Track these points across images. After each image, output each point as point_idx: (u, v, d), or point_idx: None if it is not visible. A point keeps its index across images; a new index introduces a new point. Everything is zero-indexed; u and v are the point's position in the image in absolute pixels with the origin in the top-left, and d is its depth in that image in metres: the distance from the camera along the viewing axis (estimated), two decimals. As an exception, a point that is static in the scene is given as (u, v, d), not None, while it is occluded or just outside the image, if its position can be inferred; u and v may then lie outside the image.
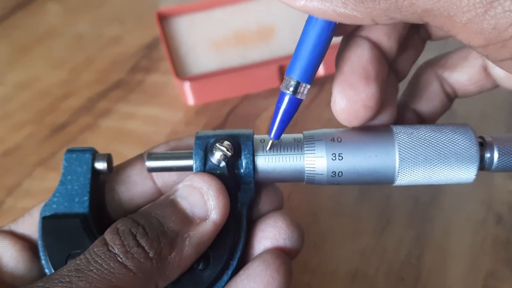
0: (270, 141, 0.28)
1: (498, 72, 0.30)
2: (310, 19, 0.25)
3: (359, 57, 0.27)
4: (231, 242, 0.27)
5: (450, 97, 0.32)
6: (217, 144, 0.27)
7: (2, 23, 0.66)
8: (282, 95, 0.26)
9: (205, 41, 0.58)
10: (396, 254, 0.39)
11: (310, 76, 0.26)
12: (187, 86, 0.51)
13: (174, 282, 0.26)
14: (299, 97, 0.26)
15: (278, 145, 0.28)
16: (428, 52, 0.33)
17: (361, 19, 0.23)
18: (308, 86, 0.26)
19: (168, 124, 0.51)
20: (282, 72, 0.52)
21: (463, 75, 0.31)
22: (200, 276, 0.26)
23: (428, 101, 0.32)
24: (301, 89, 0.26)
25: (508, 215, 0.41)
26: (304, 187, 0.44)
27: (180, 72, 0.54)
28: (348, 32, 0.28)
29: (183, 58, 0.56)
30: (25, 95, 0.56)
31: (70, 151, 0.30)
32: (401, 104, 0.32)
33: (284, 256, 0.27)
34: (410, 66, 0.31)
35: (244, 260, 0.27)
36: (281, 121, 0.27)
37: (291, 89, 0.26)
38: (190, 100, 0.52)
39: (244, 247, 0.28)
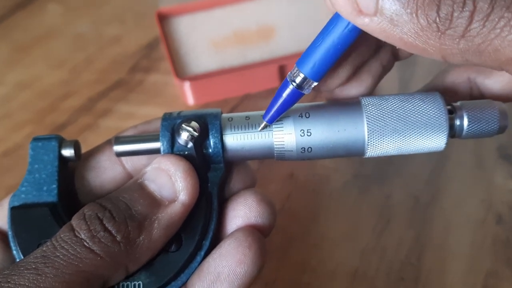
0: (263, 123, 0.27)
1: None
2: (337, 18, 0.23)
3: None
4: (202, 223, 0.27)
5: None
6: (183, 125, 0.27)
7: (2, 23, 0.66)
8: (286, 84, 0.26)
9: (205, 41, 0.57)
10: (396, 254, 0.39)
11: (319, 75, 0.25)
12: (187, 86, 0.51)
13: (146, 265, 0.26)
14: (302, 91, 0.26)
15: (246, 123, 0.28)
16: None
17: (430, 53, 0.21)
18: (315, 84, 0.26)
19: (168, 124, 0.51)
20: (282, 72, 0.52)
21: (497, 84, 0.30)
22: (173, 258, 0.26)
23: (451, 100, 0.31)
24: (307, 85, 0.25)
25: (508, 215, 0.41)
26: (304, 187, 0.44)
27: (180, 72, 0.54)
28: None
29: (183, 58, 0.56)
30: (25, 95, 0.56)
31: (35, 139, 0.29)
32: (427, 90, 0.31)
33: (256, 233, 0.27)
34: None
35: (217, 240, 0.27)
36: (279, 108, 0.26)
37: (297, 81, 0.25)
38: (190, 100, 0.52)
39: (216, 227, 0.27)
